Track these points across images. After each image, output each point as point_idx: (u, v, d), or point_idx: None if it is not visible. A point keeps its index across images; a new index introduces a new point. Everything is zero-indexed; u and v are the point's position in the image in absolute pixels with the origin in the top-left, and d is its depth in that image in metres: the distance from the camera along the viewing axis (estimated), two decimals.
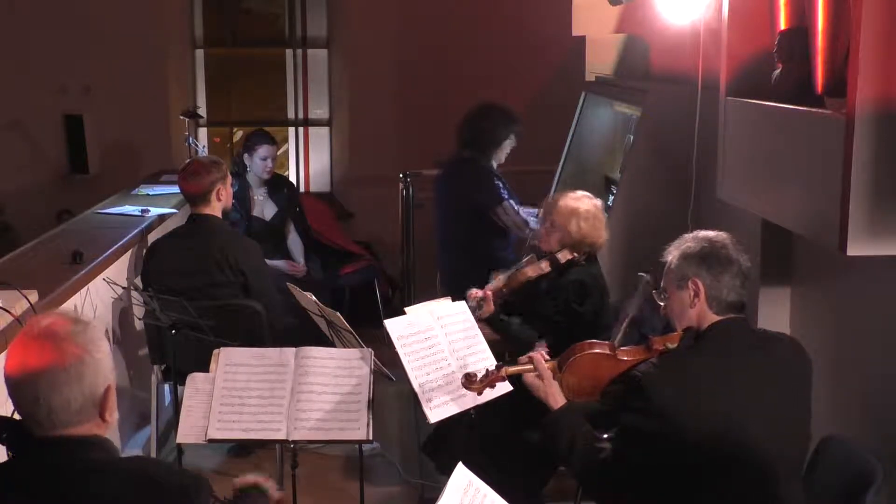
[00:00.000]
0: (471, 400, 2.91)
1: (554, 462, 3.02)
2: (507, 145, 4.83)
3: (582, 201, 3.71)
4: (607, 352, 2.65)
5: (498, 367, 2.76)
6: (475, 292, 3.74)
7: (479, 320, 3.56)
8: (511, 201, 4.68)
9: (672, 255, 2.59)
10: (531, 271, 3.69)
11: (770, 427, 2.42)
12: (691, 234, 2.61)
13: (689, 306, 2.53)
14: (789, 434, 2.47)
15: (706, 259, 2.51)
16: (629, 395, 2.48)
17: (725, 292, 2.49)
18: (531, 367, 2.71)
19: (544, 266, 3.69)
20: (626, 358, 2.62)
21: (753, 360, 2.49)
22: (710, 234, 2.58)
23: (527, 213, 4.65)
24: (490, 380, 2.75)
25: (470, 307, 3.42)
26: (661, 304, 2.64)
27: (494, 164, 4.82)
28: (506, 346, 3.81)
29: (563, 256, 3.68)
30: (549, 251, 3.72)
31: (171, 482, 1.92)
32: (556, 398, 2.66)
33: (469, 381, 2.76)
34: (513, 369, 2.75)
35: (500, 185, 4.73)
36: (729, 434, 2.38)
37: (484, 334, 3.32)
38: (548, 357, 2.76)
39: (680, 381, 2.44)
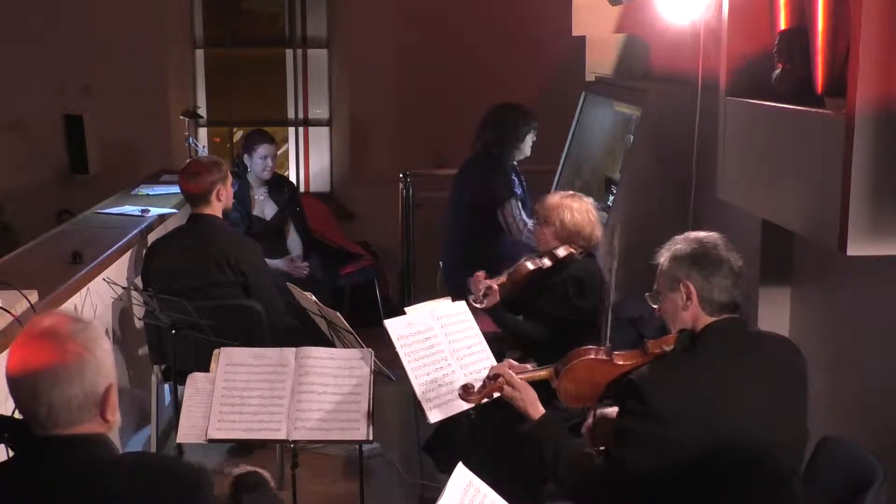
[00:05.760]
0: None
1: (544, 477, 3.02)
2: (529, 139, 5.01)
3: (573, 197, 3.75)
4: (603, 357, 2.64)
5: (494, 378, 2.75)
6: (481, 275, 3.73)
7: (481, 311, 3.57)
8: (518, 203, 4.80)
9: (663, 256, 2.59)
10: (531, 264, 3.70)
11: (768, 427, 2.41)
12: (682, 236, 2.60)
13: (682, 309, 2.53)
14: (787, 433, 2.47)
15: (697, 260, 2.51)
16: (627, 400, 2.48)
17: (717, 293, 2.49)
18: (502, 381, 2.70)
19: (545, 261, 3.70)
20: (622, 362, 2.61)
21: (750, 360, 2.49)
22: (701, 234, 2.58)
23: (531, 220, 4.68)
24: (487, 391, 2.75)
25: (473, 299, 3.43)
26: (655, 306, 2.64)
27: (520, 156, 5.00)
28: (505, 346, 3.82)
29: (561, 252, 3.69)
30: (546, 249, 3.73)
31: (175, 471, 1.93)
32: (536, 406, 2.67)
33: (466, 392, 2.78)
34: (487, 390, 2.75)
35: (516, 181, 4.89)
36: (728, 434, 2.38)
37: (484, 329, 3.32)
38: (515, 364, 2.78)
39: (677, 383, 2.44)
